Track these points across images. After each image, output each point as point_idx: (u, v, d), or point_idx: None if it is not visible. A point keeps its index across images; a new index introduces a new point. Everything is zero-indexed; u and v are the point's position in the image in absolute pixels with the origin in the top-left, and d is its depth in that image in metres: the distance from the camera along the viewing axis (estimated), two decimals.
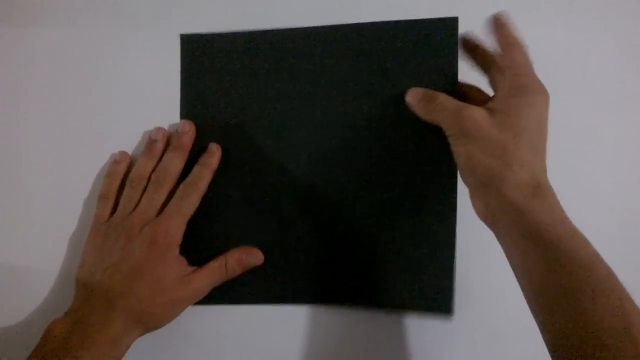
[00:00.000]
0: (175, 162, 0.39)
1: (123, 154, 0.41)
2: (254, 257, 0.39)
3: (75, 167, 0.42)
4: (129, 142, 0.42)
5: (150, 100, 0.42)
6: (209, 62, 0.41)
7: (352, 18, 0.39)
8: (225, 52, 0.40)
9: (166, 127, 0.41)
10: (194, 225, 0.39)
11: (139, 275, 0.36)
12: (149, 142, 0.40)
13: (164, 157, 0.39)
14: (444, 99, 0.35)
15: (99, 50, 0.42)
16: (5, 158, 0.42)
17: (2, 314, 0.41)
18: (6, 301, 0.41)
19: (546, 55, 0.40)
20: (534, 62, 0.34)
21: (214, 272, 0.38)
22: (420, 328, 0.38)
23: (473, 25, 0.37)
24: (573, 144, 0.39)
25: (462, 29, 0.38)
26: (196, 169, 0.39)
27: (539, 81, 0.34)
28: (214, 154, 0.39)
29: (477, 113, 0.33)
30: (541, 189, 0.31)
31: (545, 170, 0.32)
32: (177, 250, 0.37)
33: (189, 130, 0.40)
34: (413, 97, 0.37)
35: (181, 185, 0.38)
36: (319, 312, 0.39)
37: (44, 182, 0.42)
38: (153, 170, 0.39)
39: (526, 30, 0.40)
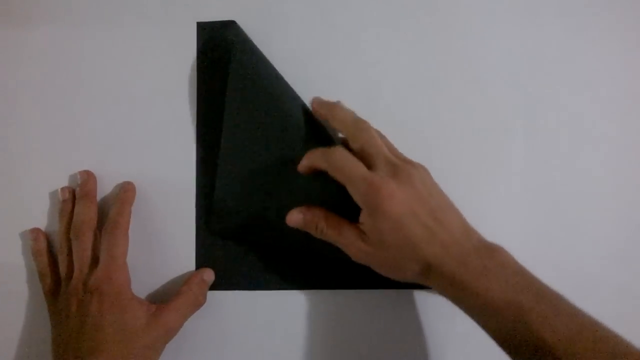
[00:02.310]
0: (85, 211, 0.38)
1: (34, 231, 0.40)
2: (207, 274, 0.39)
3: (77, 166, 0.41)
4: (145, 137, 0.41)
5: (165, 92, 0.41)
6: (225, 50, 0.41)
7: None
8: (241, 40, 0.40)
9: (184, 118, 0.41)
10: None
11: (100, 331, 0.34)
12: (60, 204, 0.40)
13: (75, 211, 0.39)
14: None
15: (105, 43, 0.42)
16: (6, 158, 0.41)
17: (2, 314, 0.40)
18: (6, 301, 0.40)
19: (546, 57, 0.40)
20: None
21: (184, 301, 0.37)
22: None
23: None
24: (573, 145, 0.40)
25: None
26: (114, 208, 0.39)
27: (398, 160, 0.33)
28: (127, 189, 0.40)
29: (392, 188, 0.31)
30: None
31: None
32: (129, 293, 0.37)
33: (89, 177, 0.40)
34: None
35: (103, 229, 0.38)
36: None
37: (44, 182, 0.41)
38: None
39: (527, 32, 0.40)
